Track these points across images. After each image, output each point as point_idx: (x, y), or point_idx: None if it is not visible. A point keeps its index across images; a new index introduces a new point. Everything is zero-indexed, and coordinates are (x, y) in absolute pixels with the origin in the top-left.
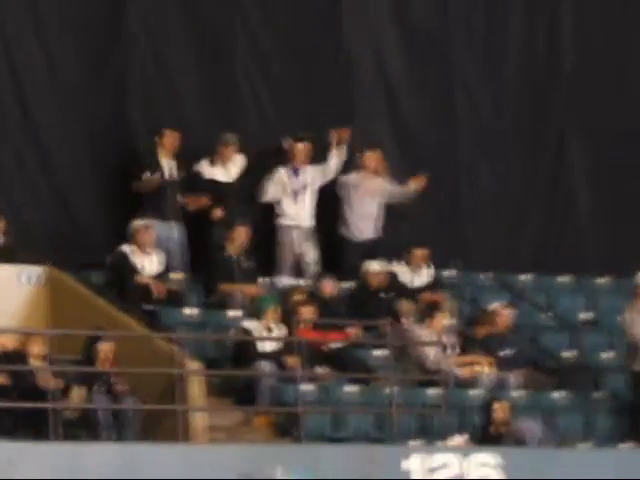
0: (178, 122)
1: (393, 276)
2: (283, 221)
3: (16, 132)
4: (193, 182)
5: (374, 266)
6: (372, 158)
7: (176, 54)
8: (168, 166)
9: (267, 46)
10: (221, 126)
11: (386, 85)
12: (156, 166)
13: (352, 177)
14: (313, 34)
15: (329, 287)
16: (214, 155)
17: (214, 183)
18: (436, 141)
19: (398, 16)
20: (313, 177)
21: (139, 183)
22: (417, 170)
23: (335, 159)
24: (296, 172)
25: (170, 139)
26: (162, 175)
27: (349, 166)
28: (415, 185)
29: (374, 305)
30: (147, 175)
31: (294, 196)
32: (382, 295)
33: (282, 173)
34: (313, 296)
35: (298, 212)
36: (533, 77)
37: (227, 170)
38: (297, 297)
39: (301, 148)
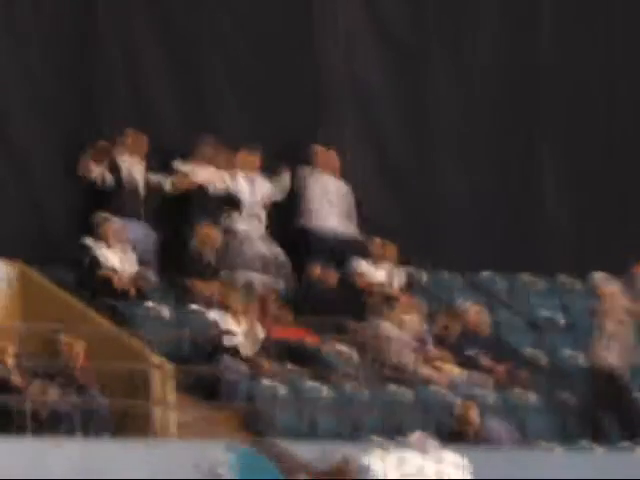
0: (146, 128)
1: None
2: (240, 226)
3: None
4: None
5: (364, 267)
6: (324, 154)
7: (145, 60)
8: (128, 167)
9: (236, 52)
10: (189, 133)
11: (357, 88)
12: (113, 166)
13: (307, 170)
14: (284, 39)
15: (332, 277)
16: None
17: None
18: (407, 141)
19: (369, 22)
20: (262, 189)
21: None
22: (389, 173)
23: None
24: (250, 181)
25: (133, 140)
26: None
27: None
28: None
29: (356, 307)
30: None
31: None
32: (366, 299)
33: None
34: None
35: (253, 217)
36: (505, 77)
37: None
38: (267, 294)
39: (252, 159)
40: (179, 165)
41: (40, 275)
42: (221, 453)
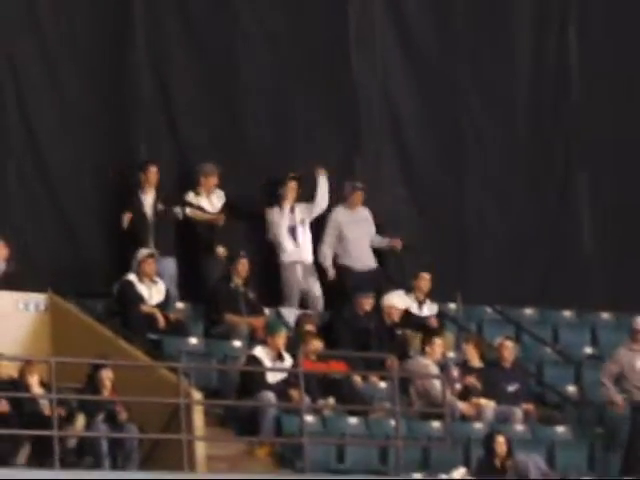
0: (179, 152)
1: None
2: (286, 258)
3: (21, 160)
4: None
5: (395, 301)
6: (359, 195)
7: (180, 84)
8: (150, 201)
9: (272, 77)
10: (222, 157)
11: (393, 118)
12: (136, 201)
13: (341, 210)
14: (321, 66)
15: (368, 303)
16: (197, 187)
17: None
18: (442, 175)
19: (405, 51)
20: (303, 214)
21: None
22: (422, 204)
23: (323, 195)
24: (291, 210)
25: (154, 174)
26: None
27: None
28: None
29: (388, 340)
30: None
31: (292, 233)
32: (398, 332)
33: (276, 212)
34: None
35: (299, 248)
36: (539, 112)
37: (210, 201)
38: (308, 327)
39: (294, 187)
40: (191, 198)
41: (70, 304)
42: None
